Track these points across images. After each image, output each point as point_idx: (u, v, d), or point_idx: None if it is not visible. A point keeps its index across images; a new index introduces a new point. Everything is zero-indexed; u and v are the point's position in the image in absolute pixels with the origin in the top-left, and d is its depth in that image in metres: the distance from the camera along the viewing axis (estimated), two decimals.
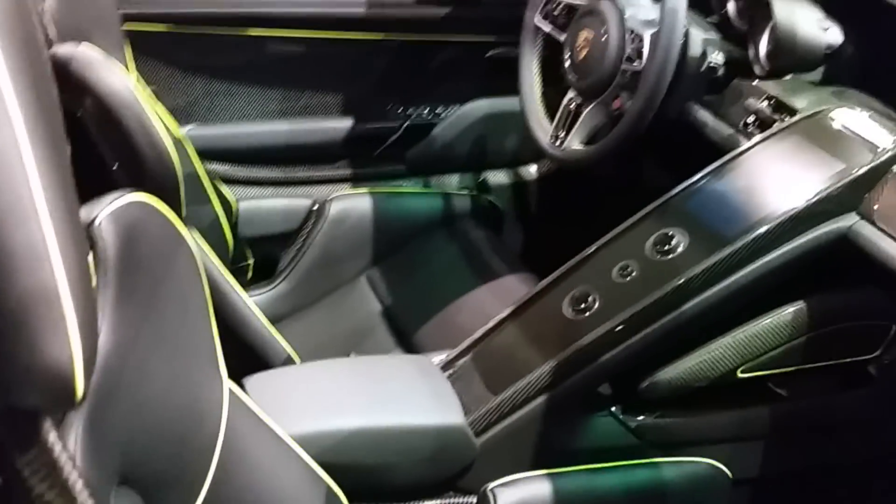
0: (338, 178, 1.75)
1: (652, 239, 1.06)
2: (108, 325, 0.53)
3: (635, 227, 1.09)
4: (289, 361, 1.23)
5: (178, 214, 1.02)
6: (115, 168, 0.95)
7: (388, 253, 1.67)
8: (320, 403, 1.00)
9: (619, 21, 1.24)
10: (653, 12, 1.23)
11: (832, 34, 1.20)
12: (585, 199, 1.84)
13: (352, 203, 1.66)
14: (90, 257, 0.53)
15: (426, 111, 1.81)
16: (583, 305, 1.05)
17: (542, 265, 1.31)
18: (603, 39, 1.26)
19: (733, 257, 0.99)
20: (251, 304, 1.22)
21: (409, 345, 1.46)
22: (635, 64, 1.20)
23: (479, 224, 1.73)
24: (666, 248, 1.04)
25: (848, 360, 1.10)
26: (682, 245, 1.03)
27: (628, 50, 1.22)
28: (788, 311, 1.05)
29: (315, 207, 1.65)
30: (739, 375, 1.06)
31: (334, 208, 1.64)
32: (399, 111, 1.80)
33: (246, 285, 1.61)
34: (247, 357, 1.17)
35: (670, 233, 1.05)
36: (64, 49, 0.90)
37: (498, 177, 1.86)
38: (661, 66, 1.14)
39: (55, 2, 1.03)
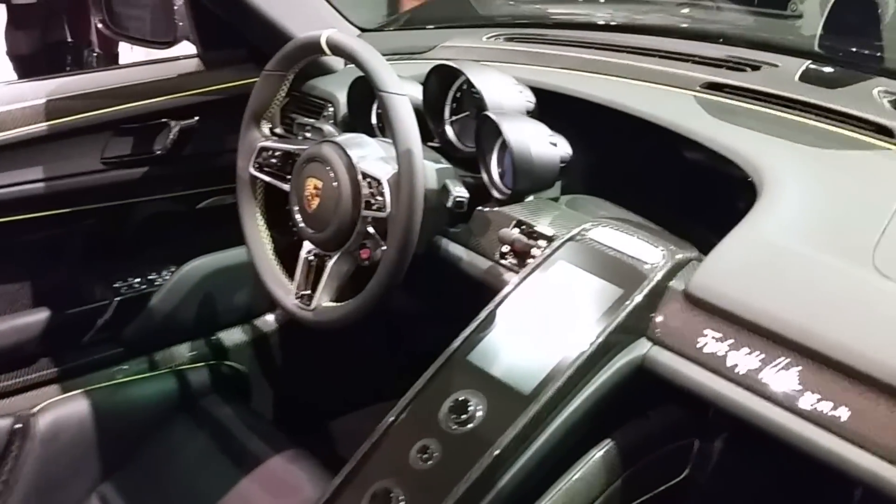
0: (42, 381, 1.45)
1: (445, 408, 0.93)
2: None
3: (422, 395, 0.96)
4: None
5: None
6: None
7: (122, 459, 1.40)
8: None
9: (348, 166, 1.13)
10: (382, 151, 1.13)
11: (562, 147, 1.18)
12: (334, 343, 1.69)
13: (64, 409, 1.38)
14: None
15: (137, 281, 1.57)
16: None
17: (303, 432, 1.15)
18: (334, 186, 1.13)
19: (540, 414, 0.89)
20: None
21: None
22: (377, 210, 1.09)
23: (224, 397, 1.51)
24: (464, 416, 0.91)
25: (662, 487, 1.04)
26: (480, 410, 0.91)
27: (365, 195, 1.11)
28: (598, 457, 0.96)
29: (17, 426, 1.34)
30: None
31: (43, 421, 1.35)
32: (105, 288, 1.54)
33: None
34: None
35: (463, 397, 0.93)
36: None
37: (234, 336, 1.66)
38: (409, 209, 1.04)
39: None
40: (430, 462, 0.90)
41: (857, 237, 0.89)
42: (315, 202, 1.17)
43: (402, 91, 1.06)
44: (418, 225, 1.05)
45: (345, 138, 1.18)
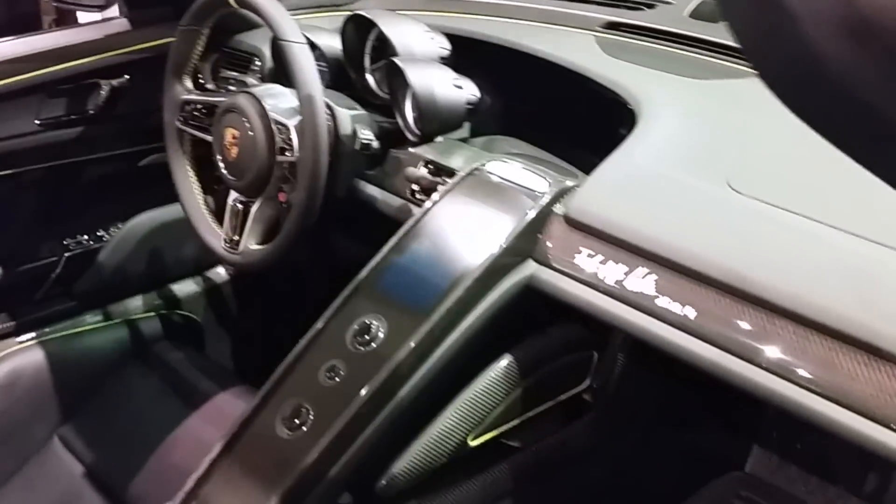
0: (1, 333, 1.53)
1: (351, 332, 1.01)
2: None
3: (331, 322, 1.04)
4: None
5: None
6: None
7: (79, 403, 1.48)
8: None
9: (261, 114, 1.20)
10: (293, 100, 1.20)
11: (468, 90, 1.25)
12: (286, 293, 1.77)
13: (20, 359, 1.46)
14: None
15: (86, 238, 1.64)
16: (296, 421, 0.97)
17: (255, 374, 1.22)
18: (250, 135, 1.21)
19: (434, 332, 0.97)
20: None
21: (124, 502, 1.29)
22: (288, 155, 1.16)
23: (177, 344, 1.59)
24: (366, 337, 1.00)
25: (564, 396, 1.14)
26: (381, 331, 1.00)
27: (278, 142, 1.18)
28: (499, 368, 1.05)
29: None
30: (471, 443, 1.04)
31: (2, 370, 1.43)
32: (55, 245, 1.61)
33: None
34: None
35: (367, 320, 1.01)
36: None
37: (186, 287, 1.74)
38: (313, 153, 1.11)
39: None
40: (336, 380, 0.99)
41: (717, 159, 0.98)
42: (234, 150, 1.24)
43: (300, 40, 1.13)
44: (324, 167, 1.12)
45: (260, 89, 1.25)
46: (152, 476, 1.28)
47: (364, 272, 1.07)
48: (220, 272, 1.78)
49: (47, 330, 1.53)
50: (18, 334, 1.52)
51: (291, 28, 1.13)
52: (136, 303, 1.65)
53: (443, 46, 1.31)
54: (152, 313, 1.64)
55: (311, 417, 0.97)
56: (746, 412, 1.31)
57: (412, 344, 0.96)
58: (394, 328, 0.99)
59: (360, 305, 1.04)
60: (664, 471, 1.31)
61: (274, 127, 1.18)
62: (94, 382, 1.50)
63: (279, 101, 1.21)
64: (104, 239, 1.65)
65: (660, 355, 0.87)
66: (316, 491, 0.94)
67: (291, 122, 1.16)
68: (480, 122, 1.34)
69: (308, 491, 0.93)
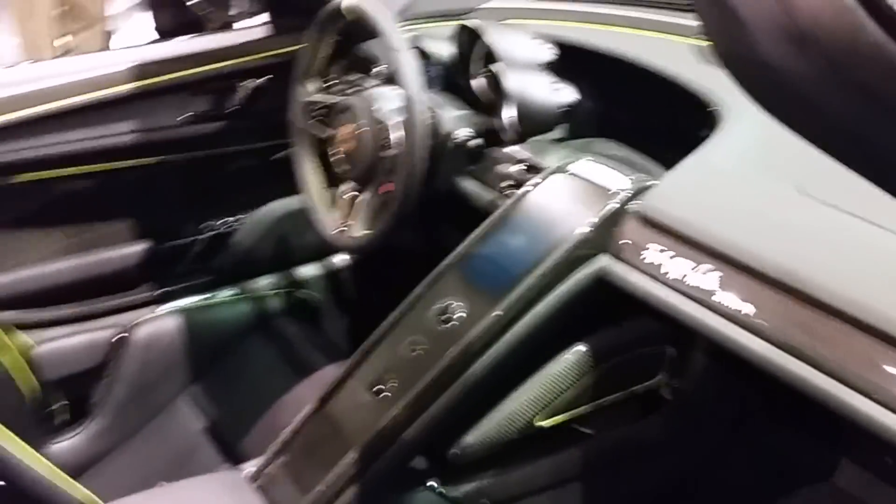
0: (141, 302, 1.72)
1: (434, 311, 1.11)
2: None
3: (418, 301, 1.14)
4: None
5: None
6: None
7: (207, 367, 1.65)
8: None
9: (370, 113, 1.31)
10: (399, 102, 1.31)
11: (565, 94, 1.32)
12: (398, 279, 1.89)
13: (160, 324, 1.64)
14: None
15: (222, 222, 1.82)
16: (380, 387, 1.08)
17: None
18: (360, 131, 1.32)
19: (507, 315, 1.05)
20: (30, 455, 1.17)
21: (236, 457, 1.44)
22: (391, 151, 1.27)
23: (295, 320, 1.74)
24: (447, 316, 1.09)
25: (637, 388, 1.18)
26: (460, 311, 1.08)
27: (383, 138, 1.29)
28: (569, 354, 1.12)
29: (121, 336, 1.61)
30: (538, 424, 1.11)
31: (139, 334, 1.61)
32: (195, 226, 1.80)
33: (60, 429, 1.55)
34: None
35: (448, 302, 1.10)
36: None
37: (309, 271, 1.89)
38: (411, 149, 1.21)
39: None
40: (416, 353, 1.08)
41: (792, 164, 1.00)
42: (347, 146, 1.36)
43: (405, 48, 1.24)
44: (420, 162, 1.22)
45: (372, 91, 1.37)
46: (261, 433, 1.42)
47: (450, 258, 1.16)
48: (339, 258, 1.91)
49: (184, 301, 1.72)
50: (159, 303, 1.71)
51: (398, 38, 1.24)
52: (262, 281, 1.82)
53: (545, 53, 1.38)
54: (276, 291, 1.80)
55: (393, 384, 1.07)
56: (834, 421, 1.31)
57: (486, 324, 1.05)
58: (472, 310, 1.08)
59: (444, 288, 1.13)
60: (740, 475, 1.33)
61: (380, 125, 1.30)
62: (220, 350, 1.66)
63: (388, 101, 1.32)
64: (238, 223, 1.82)
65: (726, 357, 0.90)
66: (390, 450, 1.04)
67: (394, 121, 1.27)
68: (579, 125, 1.41)
69: (383, 449, 1.04)
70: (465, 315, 1.08)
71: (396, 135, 1.27)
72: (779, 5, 0.40)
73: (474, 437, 1.09)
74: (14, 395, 1.42)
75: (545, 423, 1.12)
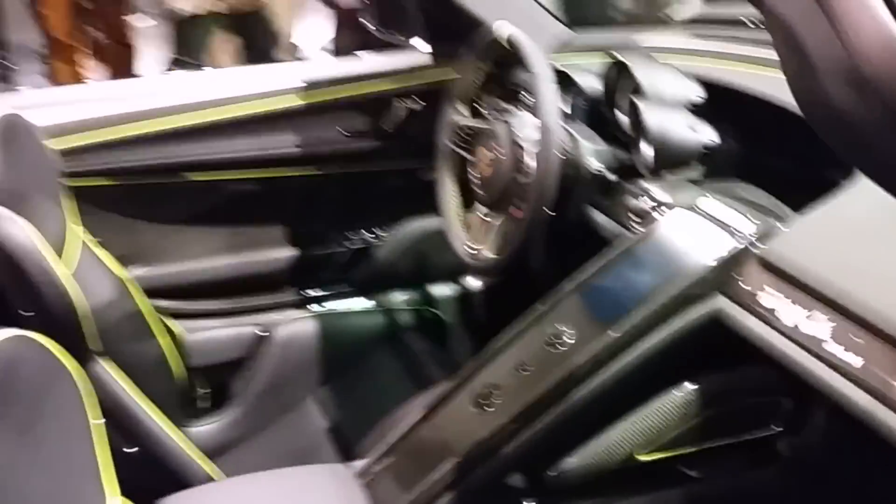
0: (285, 304, 1.84)
1: (545, 335, 1.13)
2: None
3: (530, 327, 1.17)
4: (209, 479, 1.28)
5: (84, 347, 1.11)
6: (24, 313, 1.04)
7: (336, 372, 1.74)
8: None
9: (510, 140, 1.36)
10: (536, 130, 1.35)
11: (705, 134, 1.32)
12: (527, 306, 1.92)
13: (298, 327, 1.75)
14: None
15: (367, 235, 1.92)
16: (485, 402, 1.11)
17: None
18: (499, 156, 1.37)
19: (614, 344, 1.06)
20: (170, 428, 1.28)
21: (351, 455, 1.51)
22: (524, 178, 1.31)
23: (423, 337, 1.80)
24: (557, 342, 1.11)
25: (748, 436, 1.16)
26: (570, 338, 1.11)
27: (518, 164, 1.33)
28: (678, 392, 1.11)
29: (263, 334, 1.73)
30: (639, 458, 1.11)
31: (281, 333, 1.72)
32: (341, 237, 1.91)
33: (201, 414, 1.68)
34: (165, 478, 1.23)
35: (560, 328, 1.13)
36: None
37: (443, 290, 1.95)
38: (542, 176, 1.25)
39: None
40: (524, 373, 1.11)
41: None
42: (487, 170, 1.42)
43: (547, 77, 1.28)
44: (549, 190, 1.25)
45: (515, 117, 1.41)
46: (375, 436, 1.49)
47: (566, 285, 1.18)
48: (473, 280, 1.97)
49: (323, 307, 1.82)
50: (300, 306, 1.83)
51: (541, 67, 1.29)
52: (397, 296, 1.89)
53: (691, 92, 1.39)
54: (409, 307, 1.87)
55: (498, 401, 1.11)
56: None
57: (593, 351, 1.06)
58: (581, 337, 1.10)
59: (558, 313, 1.16)
60: None
61: (516, 151, 1.34)
62: (351, 356, 1.75)
63: (526, 129, 1.37)
64: (381, 238, 1.92)
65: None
66: (489, 463, 1.07)
67: (530, 148, 1.31)
68: (718, 166, 1.39)
69: (482, 461, 1.07)
70: (573, 341, 1.10)
71: (530, 162, 1.31)
72: (846, 54, 0.42)
73: (574, 462, 1.10)
74: (165, 376, 1.55)
75: (647, 458, 1.12)
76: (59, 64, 3.68)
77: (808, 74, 0.45)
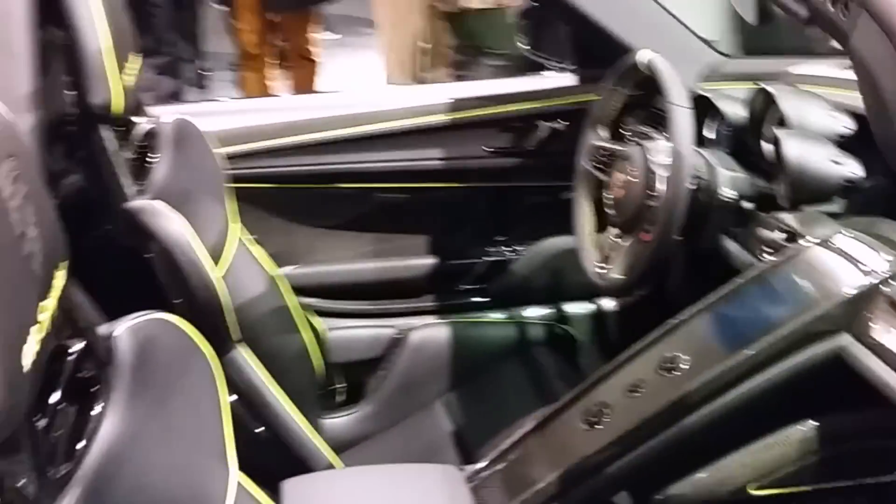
0: (423, 309, 1.92)
1: (660, 359, 1.14)
2: (117, 418, 0.68)
3: (646, 350, 1.18)
4: (329, 467, 1.37)
5: (226, 336, 1.22)
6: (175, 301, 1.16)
7: (465, 378, 1.80)
8: None
9: (644, 164, 1.37)
10: (671, 157, 1.35)
11: (848, 168, 1.28)
12: (653, 325, 1.91)
13: (433, 332, 1.82)
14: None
15: (504, 249, 1.97)
16: (595, 420, 1.14)
17: None
18: (632, 179, 1.39)
19: (729, 374, 1.06)
20: (294, 413, 1.37)
21: (471, 463, 1.56)
22: (655, 201, 1.32)
23: (552, 352, 1.83)
24: (671, 366, 1.12)
25: (870, 480, 1.12)
26: (685, 364, 1.11)
27: (650, 188, 1.34)
28: (798, 428, 1.09)
29: (398, 336, 1.82)
30: (751, 492, 1.10)
31: (416, 337, 1.80)
32: (480, 249, 1.97)
33: (338, 407, 1.79)
34: (287, 462, 1.32)
35: (676, 354, 1.13)
36: (135, 203, 1.14)
37: (575, 308, 1.97)
38: (670, 202, 1.25)
39: (167, 166, 1.29)
40: (636, 395, 1.13)
41: None
42: (620, 192, 1.44)
43: (683, 104, 1.28)
44: (678, 215, 1.25)
45: (651, 142, 1.42)
46: (493, 445, 1.53)
47: (687, 312, 1.18)
48: (606, 300, 1.98)
49: (457, 315, 1.89)
50: (435, 313, 1.90)
51: (678, 93, 1.29)
52: (529, 310, 1.93)
53: (839, 125, 1.35)
54: (541, 322, 1.91)
55: (608, 420, 1.13)
56: None
57: (706, 379, 1.06)
58: (696, 364, 1.10)
59: (675, 339, 1.16)
60: None
61: (649, 175, 1.35)
62: (480, 365, 1.80)
63: (662, 154, 1.37)
64: (518, 253, 1.97)
65: None
66: (594, 479, 1.09)
67: (661, 173, 1.32)
68: (863, 202, 1.35)
69: (585, 477, 1.09)
70: (688, 367, 1.11)
71: (661, 186, 1.32)
72: None
73: (682, 488, 1.10)
74: (306, 369, 1.66)
75: (760, 493, 1.10)
76: (248, 74, 3.95)
77: (883, 116, 0.47)
